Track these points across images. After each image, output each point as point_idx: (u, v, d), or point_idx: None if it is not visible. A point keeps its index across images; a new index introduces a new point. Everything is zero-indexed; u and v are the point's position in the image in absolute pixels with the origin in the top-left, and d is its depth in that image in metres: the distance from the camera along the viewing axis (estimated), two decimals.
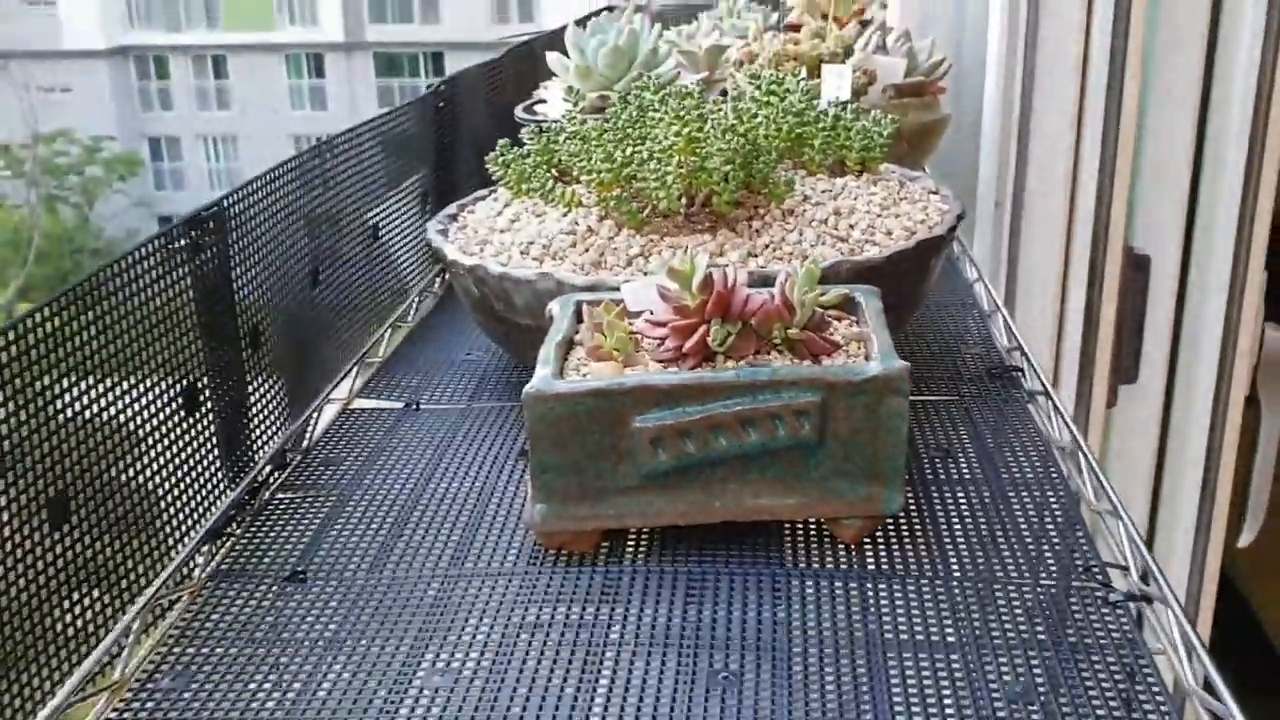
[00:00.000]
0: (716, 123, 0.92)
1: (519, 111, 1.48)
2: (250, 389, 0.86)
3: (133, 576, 0.70)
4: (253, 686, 0.63)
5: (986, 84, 1.61)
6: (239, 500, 0.82)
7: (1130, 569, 0.72)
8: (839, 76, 1.26)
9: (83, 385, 0.66)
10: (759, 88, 1.02)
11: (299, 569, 0.74)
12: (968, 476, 0.83)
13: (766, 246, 0.90)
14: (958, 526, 0.76)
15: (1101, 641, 0.64)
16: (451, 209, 1.06)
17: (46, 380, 0.63)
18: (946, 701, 0.59)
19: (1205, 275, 1.23)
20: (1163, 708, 0.59)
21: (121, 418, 0.70)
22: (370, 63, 15.48)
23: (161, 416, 0.74)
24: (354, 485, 0.85)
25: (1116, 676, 0.61)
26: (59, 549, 0.63)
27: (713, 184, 0.90)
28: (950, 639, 0.64)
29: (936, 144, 1.46)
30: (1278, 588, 1.56)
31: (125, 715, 0.61)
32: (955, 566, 0.72)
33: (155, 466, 0.73)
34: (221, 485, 0.81)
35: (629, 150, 0.91)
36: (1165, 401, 1.30)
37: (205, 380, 0.80)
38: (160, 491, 0.74)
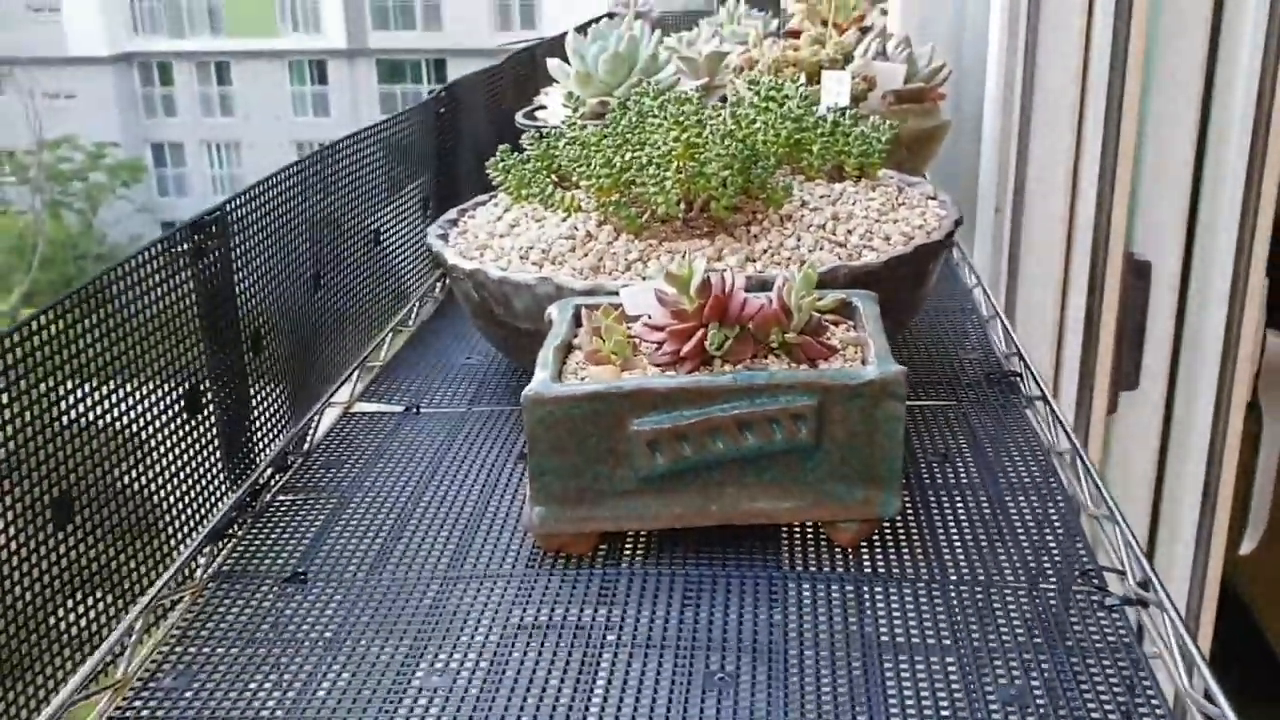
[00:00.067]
0: (715, 128, 0.93)
1: (519, 117, 1.49)
2: (252, 392, 0.87)
3: (135, 577, 0.71)
4: (253, 686, 0.63)
5: (987, 87, 1.61)
6: (240, 502, 0.82)
7: (1127, 574, 0.72)
8: (838, 82, 1.26)
9: (86, 388, 0.67)
10: (758, 94, 1.03)
11: (300, 570, 0.75)
12: (965, 481, 0.83)
13: (764, 252, 0.90)
14: (955, 531, 0.76)
15: (1098, 646, 0.64)
16: (452, 214, 1.07)
17: (50, 383, 0.63)
18: (942, 704, 0.60)
19: (1206, 282, 1.23)
20: (1158, 711, 0.59)
21: (124, 420, 0.70)
22: (373, 69, 15.51)
23: (164, 419, 0.75)
24: (354, 487, 0.86)
25: (1113, 681, 0.61)
26: (62, 550, 0.64)
27: (711, 189, 0.91)
28: (946, 642, 0.65)
29: (936, 150, 1.47)
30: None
31: (127, 714, 0.62)
32: (952, 570, 0.72)
33: (158, 469, 0.74)
34: (223, 487, 0.82)
35: (628, 156, 0.91)
36: (1166, 408, 1.30)
37: (207, 383, 0.80)
38: (163, 493, 0.74)
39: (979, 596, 0.69)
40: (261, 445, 0.88)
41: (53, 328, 0.64)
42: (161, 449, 0.74)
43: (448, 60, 14.31)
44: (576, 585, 0.71)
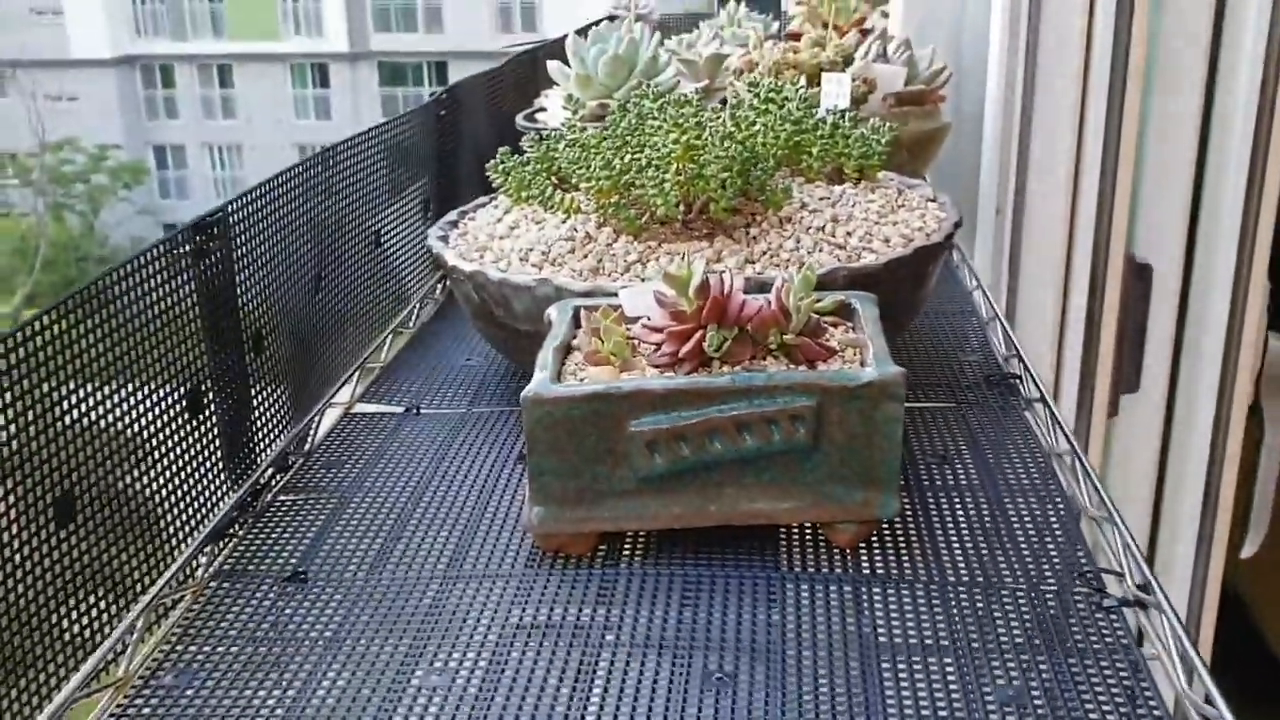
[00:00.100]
0: (715, 130, 0.93)
1: (520, 119, 1.49)
2: (253, 393, 0.87)
3: (136, 576, 0.71)
4: (254, 685, 0.63)
5: (987, 88, 1.62)
6: (241, 502, 0.83)
7: (1126, 576, 0.72)
8: (838, 85, 1.26)
9: (88, 388, 0.67)
10: (758, 96, 1.03)
11: (300, 570, 0.75)
12: (964, 483, 0.83)
13: (764, 253, 0.91)
14: (954, 533, 0.77)
15: (1097, 648, 0.64)
16: (452, 216, 1.07)
17: (53, 383, 0.64)
18: (940, 706, 0.60)
19: (1207, 284, 1.23)
20: (1156, 713, 0.59)
21: (126, 421, 0.71)
22: (375, 72, 15.52)
23: (165, 419, 0.75)
24: (355, 488, 0.86)
25: (1111, 684, 0.61)
26: (64, 549, 0.64)
27: (710, 191, 0.91)
28: (944, 643, 0.65)
29: (937, 152, 1.47)
30: None
31: (129, 712, 0.62)
32: (950, 572, 0.72)
33: (159, 468, 0.74)
34: (224, 487, 0.82)
35: (628, 158, 0.91)
36: (1167, 411, 1.30)
37: (209, 384, 0.81)
38: (164, 493, 0.74)
39: (978, 598, 0.69)
40: (262, 446, 0.88)
41: (55, 329, 0.64)
42: (163, 449, 0.74)
43: (449, 63, 14.32)
44: (575, 585, 0.71)
